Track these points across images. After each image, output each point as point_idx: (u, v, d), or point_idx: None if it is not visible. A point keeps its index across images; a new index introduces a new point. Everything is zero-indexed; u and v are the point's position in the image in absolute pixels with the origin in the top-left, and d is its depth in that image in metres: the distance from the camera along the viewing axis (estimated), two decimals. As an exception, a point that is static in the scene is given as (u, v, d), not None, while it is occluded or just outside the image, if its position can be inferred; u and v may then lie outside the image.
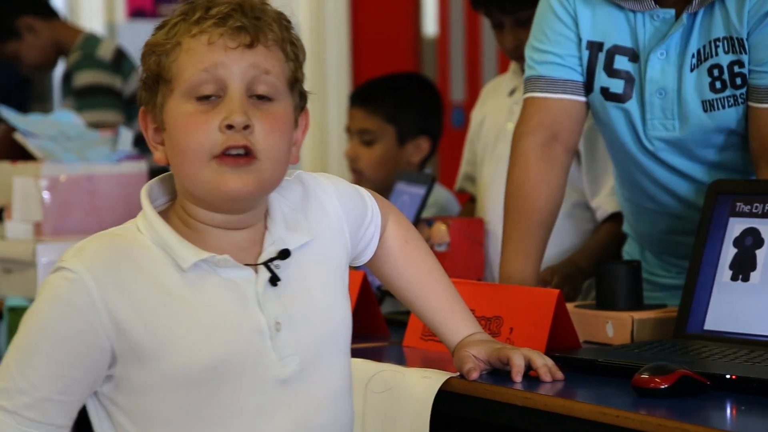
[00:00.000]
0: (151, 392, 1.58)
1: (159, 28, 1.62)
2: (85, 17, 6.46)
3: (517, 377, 1.78)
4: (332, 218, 1.72)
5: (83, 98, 4.04)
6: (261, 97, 1.59)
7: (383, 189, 3.20)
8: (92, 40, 4.18)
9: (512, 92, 2.82)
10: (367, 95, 3.22)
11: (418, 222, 2.64)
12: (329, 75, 5.22)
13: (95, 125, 3.56)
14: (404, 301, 1.86)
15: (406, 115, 3.16)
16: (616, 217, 2.62)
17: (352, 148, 3.19)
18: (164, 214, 1.64)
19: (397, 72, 3.52)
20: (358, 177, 3.18)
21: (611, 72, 2.19)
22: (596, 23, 2.19)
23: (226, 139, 1.57)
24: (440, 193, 3.15)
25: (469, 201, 2.98)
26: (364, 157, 3.15)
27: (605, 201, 2.65)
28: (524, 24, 2.66)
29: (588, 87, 2.22)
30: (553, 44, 2.21)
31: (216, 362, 1.58)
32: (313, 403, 1.64)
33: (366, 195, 1.79)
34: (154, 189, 1.65)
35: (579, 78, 2.22)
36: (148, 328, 1.56)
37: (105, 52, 4.11)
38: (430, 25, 5.31)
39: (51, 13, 4.21)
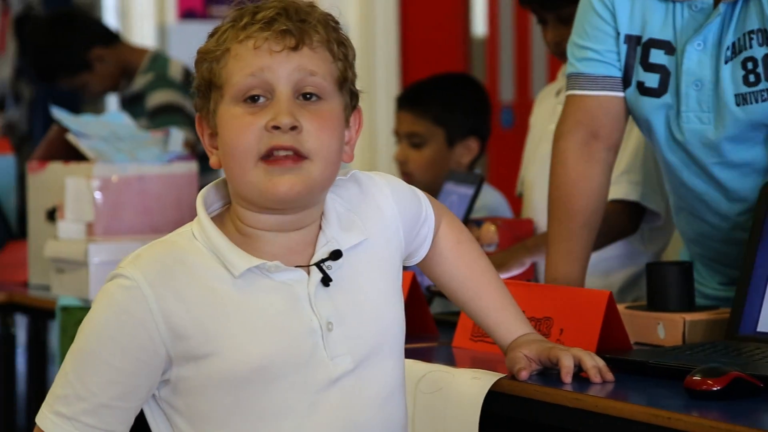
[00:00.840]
0: (206, 394, 1.59)
1: (211, 35, 1.65)
2: (136, 19, 6.50)
3: (567, 378, 1.77)
4: (387, 217, 1.72)
5: (157, 117, 4.07)
6: (309, 98, 1.60)
7: (433, 191, 3.19)
8: (161, 60, 4.21)
9: (558, 93, 2.81)
10: (414, 98, 3.22)
11: (467, 222, 2.63)
12: (378, 76, 5.22)
13: None
14: (456, 301, 1.86)
15: (454, 116, 3.15)
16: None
17: (402, 152, 3.19)
18: (219, 218, 1.66)
19: (444, 73, 3.51)
20: (408, 180, 3.17)
21: (647, 66, 2.17)
22: (634, 16, 2.17)
23: (272, 138, 1.58)
24: (490, 196, 3.14)
25: None
26: (414, 160, 3.15)
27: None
28: (566, 21, 2.65)
29: (625, 81, 2.20)
30: (592, 40, 2.20)
31: (268, 362, 1.59)
32: (364, 403, 1.65)
33: (420, 195, 1.80)
34: (210, 194, 1.67)
35: (618, 74, 2.20)
36: (202, 332, 1.58)
37: (175, 72, 4.14)
38: (479, 25, 5.30)
39: (114, 39, 4.24)
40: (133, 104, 4.16)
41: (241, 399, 1.59)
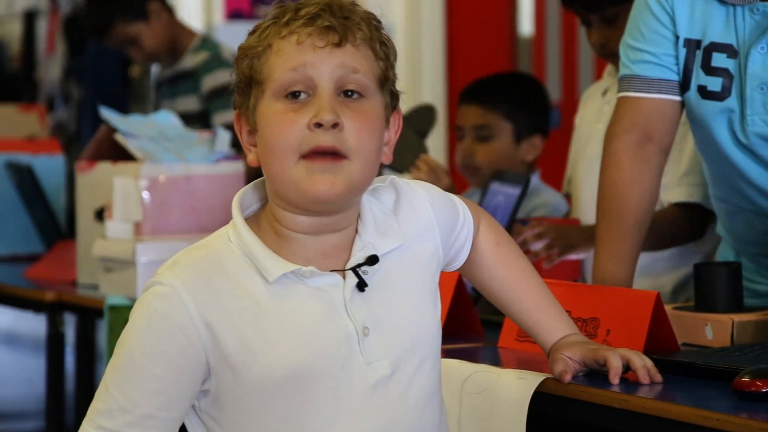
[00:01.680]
0: (243, 402, 1.58)
1: (251, 33, 1.63)
2: (183, 19, 6.54)
3: (615, 379, 1.76)
4: (424, 224, 1.71)
5: (218, 99, 4.08)
6: (350, 95, 1.59)
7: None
8: (213, 42, 4.25)
9: (605, 92, 2.80)
10: (482, 92, 3.20)
11: (514, 222, 2.62)
12: (424, 75, 5.22)
13: (230, 126, 3.59)
14: (498, 303, 1.84)
15: (522, 112, 3.14)
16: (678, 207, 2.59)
17: (468, 145, 3.15)
18: (255, 219, 1.64)
19: (508, 71, 3.50)
20: (474, 172, 3.15)
21: (709, 70, 2.16)
22: (694, 20, 2.16)
23: (315, 138, 1.57)
24: (549, 195, 3.12)
25: None
26: (481, 152, 3.12)
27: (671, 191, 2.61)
28: (611, 22, 2.64)
29: (684, 85, 2.19)
30: (649, 43, 2.19)
31: (305, 368, 1.58)
32: (402, 408, 1.64)
33: (457, 200, 1.78)
34: (247, 195, 1.66)
35: (674, 77, 2.19)
36: (239, 339, 1.57)
37: (227, 54, 4.16)
38: (526, 24, 5.29)
39: (172, 10, 4.27)
40: (179, 82, 4.18)
41: (278, 406, 1.58)
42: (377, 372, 1.61)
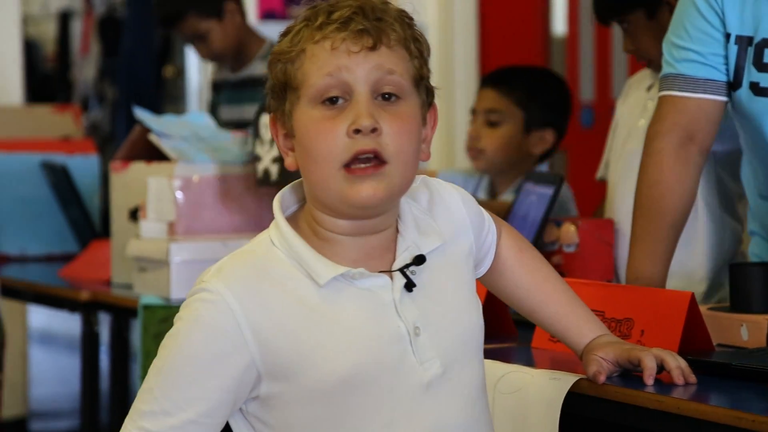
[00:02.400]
0: (297, 406, 1.58)
1: (283, 35, 1.62)
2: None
3: (649, 380, 1.75)
4: (458, 221, 1.70)
5: None
6: (387, 98, 1.58)
7: (501, 174, 3.17)
8: None
9: (649, 88, 2.78)
10: (500, 77, 3.21)
11: (547, 223, 2.62)
12: (457, 75, 5.21)
13: None
14: (525, 310, 1.83)
15: (536, 103, 3.14)
16: None
17: (476, 128, 3.15)
18: (294, 220, 1.64)
19: (534, 65, 3.50)
20: (477, 155, 3.15)
21: (761, 66, 2.14)
22: (745, 17, 2.14)
23: (354, 144, 1.56)
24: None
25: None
26: (488, 137, 3.12)
27: None
28: (632, 34, 2.66)
29: (735, 83, 2.17)
30: (695, 42, 2.17)
31: (359, 370, 1.57)
32: (455, 407, 1.63)
33: (481, 208, 1.78)
34: (286, 196, 1.65)
35: (721, 77, 2.17)
36: (291, 344, 1.56)
37: None
38: (559, 24, 5.27)
39: (245, 14, 4.23)
40: (246, 88, 4.13)
41: (332, 409, 1.57)
42: (430, 371, 1.61)
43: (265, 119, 2.90)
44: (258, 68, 4.11)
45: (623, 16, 2.67)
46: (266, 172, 2.93)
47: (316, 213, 1.61)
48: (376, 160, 1.56)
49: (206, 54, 4.19)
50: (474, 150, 3.15)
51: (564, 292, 1.81)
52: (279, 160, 2.89)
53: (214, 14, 4.07)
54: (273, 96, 1.63)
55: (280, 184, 2.81)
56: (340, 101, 1.57)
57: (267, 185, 2.94)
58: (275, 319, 1.56)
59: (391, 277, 1.62)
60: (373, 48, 1.57)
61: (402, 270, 1.62)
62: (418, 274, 1.63)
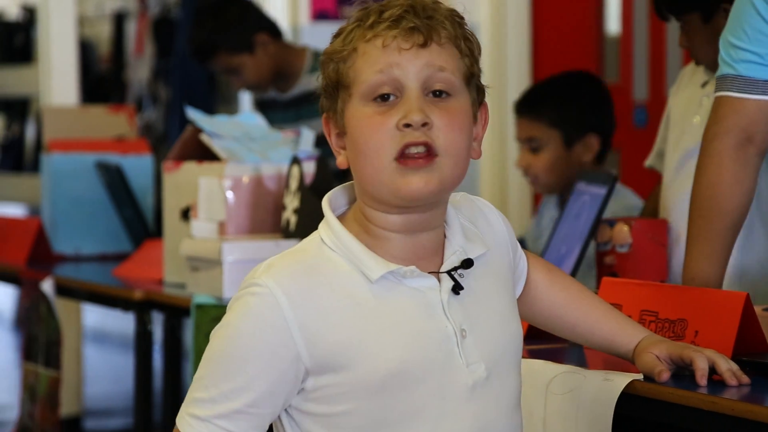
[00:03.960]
0: (344, 401, 1.59)
1: (336, 36, 1.64)
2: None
3: (702, 381, 1.74)
4: (499, 234, 1.72)
5: None
6: (438, 94, 1.60)
7: (558, 192, 3.18)
8: None
9: (704, 84, 2.76)
10: (527, 103, 3.22)
11: (600, 222, 2.60)
12: (510, 74, 5.19)
13: None
14: (567, 327, 1.83)
15: (569, 116, 3.13)
16: None
17: (523, 158, 3.21)
18: (343, 220, 1.65)
19: (560, 72, 3.48)
20: (534, 182, 3.19)
21: None
22: None
23: (404, 137, 1.57)
24: (630, 199, 3.10)
25: (658, 185, 2.90)
26: (535, 164, 3.16)
27: None
28: (687, 33, 2.64)
29: None
30: (753, 42, 2.15)
31: (407, 367, 1.58)
32: (496, 411, 1.64)
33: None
34: (336, 197, 1.67)
35: None
36: (340, 339, 1.58)
37: None
38: (613, 23, 5.24)
39: (279, 34, 4.17)
40: (302, 105, 4.10)
41: (378, 405, 1.58)
42: (475, 374, 1.62)
43: (294, 170, 2.92)
44: (308, 82, 4.08)
45: (679, 16, 2.65)
46: (288, 222, 2.94)
47: (367, 210, 1.63)
48: (427, 152, 1.58)
49: (242, 86, 4.16)
50: (530, 178, 3.18)
51: (600, 302, 1.83)
52: (297, 212, 2.89)
53: (244, 49, 4.04)
54: (326, 95, 1.65)
55: (297, 235, 2.83)
56: (392, 98, 1.59)
57: (287, 234, 2.93)
58: (324, 315, 1.58)
59: (439, 280, 1.63)
60: (423, 45, 1.59)
61: (450, 273, 1.62)
62: (464, 278, 1.64)
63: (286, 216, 2.95)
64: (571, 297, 1.82)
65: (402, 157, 1.58)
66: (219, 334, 1.61)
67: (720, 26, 2.37)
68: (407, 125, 1.57)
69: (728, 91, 2.18)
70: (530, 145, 3.16)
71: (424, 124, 1.58)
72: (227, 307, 1.62)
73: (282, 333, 1.57)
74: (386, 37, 1.59)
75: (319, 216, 1.66)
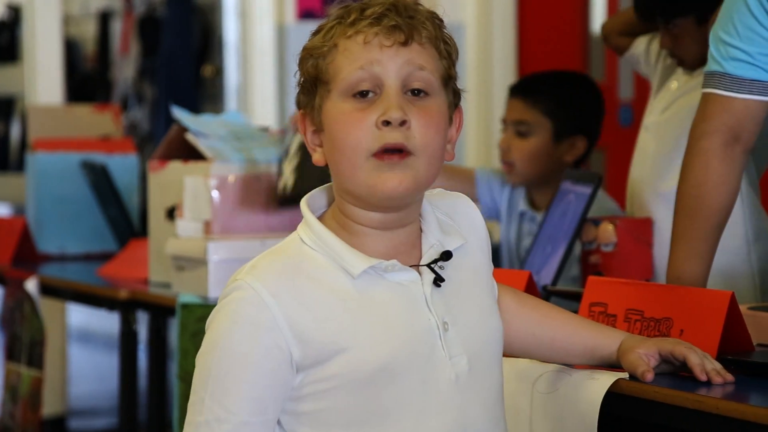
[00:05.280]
0: (331, 397, 1.59)
1: (315, 33, 1.64)
2: (255, 19, 6.57)
3: (703, 376, 1.76)
4: (479, 228, 1.73)
5: None
6: (416, 93, 1.60)
7: (535, 186, 3.14)
8: None
9: (659, 90, 2.78)
10: (527, 87, 3.18)
11: (585, 222, 2.60)
12: (496, 74, 5.19)
13: None
14: (544, 344, 1.82)
15: (565, 111, 3.10)
16: None
17: (506, 139, 3.13)
18: (322, 220, 1.65)
19: (563, 69, 3.47)
20: (509, 169, 3.12)
21: None
22: None
23: (383, 136, 1.58)
24: (606, 203, 3.09)
25: None
26: (517, 148, 3.09)
27: None
28: (675, 35, 2.64)
29: None
30: (744, 41, 2.14)
31: (393, 360, 1.59)
32: (479, 404, 1.65)
33: None
34: (315, 198, 1.67)
35: (767, 78, 2.14)
36: (327, 335, 1.58)
37: None
38: (598, 22, 5.25)
39: None
40: None
41: (364, 399, 1.59)
42: (457, 367, 1.62)
43: (297, 136, 2.91)
44: None
45: (673, 20, 2.64)
46: (285, 186, 2.93)
47: (346, 206, 1.63)
48: (402, 152, 1.58)
49: None
50: (506, 164, 3.11)
51: (573, 315, 1.84)
52: (297, 169, 2.88)
53: None
54: (303, 92, 1.65)
55: (294, 198, 2.82)
56: (371, 95, 1.60)
57: (285, 200, 2.92)
58: (310, 312, 1.58)
59: (419, 273, 1.63)
60: (405, 43, 1.59)
61: (430, 266, 1.63)
62: (444, 270, 1.64)
63: (283, 181, 2.94)
64: (543, 314, 1.82)
65: (379, 153, 1.58)
66: (210, 350, 1.59)
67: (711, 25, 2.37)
68: (386, 123, 1.58)
69: (716, 88, 2.18)
70: (518, 128, 3.10)
71: (403, 123, 1.58)
72: (211, 320, 1.60)
73: (274, 333, 1.57)
74: (367, 33, 1.59)
75: (319, 171, 1.66)
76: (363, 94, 1.59)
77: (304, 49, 1.64)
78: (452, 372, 1.62)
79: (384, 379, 1.58)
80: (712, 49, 2.19)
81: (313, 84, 1.63)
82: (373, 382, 1.58)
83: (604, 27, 2.89)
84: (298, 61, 1.65)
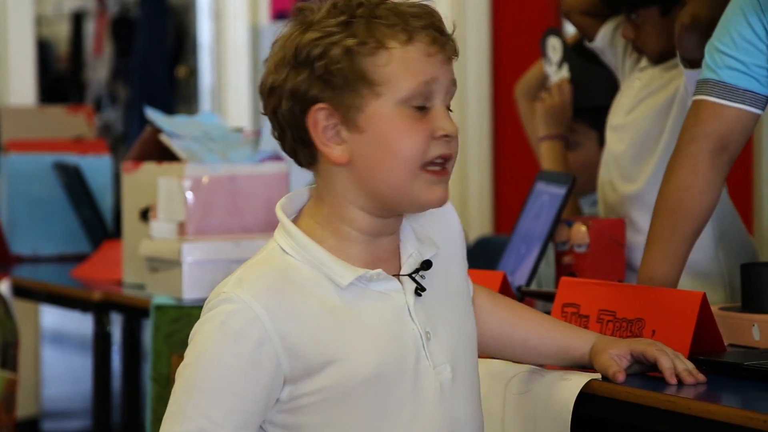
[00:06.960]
0: (319, 410, 1.58)
1: (337, 23, 1.57)
2: (229, 20, 6.56)
3: (672, 379, 1.77)
4: (455, 231, 1.73)
5: None
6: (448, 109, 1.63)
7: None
8: None
9: (642, 69, 2.77)
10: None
11: (558, 223, 2.61)
12: (469, 75, 5.20)
13: None
14: (517, 343, 1.83)
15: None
16: None
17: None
18: (295, 223, 1.63)
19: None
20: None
21: None
22: None
23: (439, 147, 1.59)
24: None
25: None
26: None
27: None
28: (638, 26, 2.64)
29: None
30: (740, 51, 2.15)
31: (382, 371, 1.59)
32: (463, 411, 1.66)
33: None
34: (288, 203, 1.65)
35: (761, 90, 2.14)
36: (318, 346, 1.57)
37: None
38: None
39: None
40: None
41: (353, 411, 1.58)
42: (441, 375, 1.63)
43: (553, 41, 2.92)
44: None
45: (637, 9, 2.65)
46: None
47: (348, 210, 1.61)
48: (445, 165, 1.60)
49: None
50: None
51: (546, 316, 1.86)
52: (572, 80, 2.99)
53: None
54: (326, 85, 1.57)
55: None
56: (425, 108, 1.60)
57: None
58: (301, 324, 1.57)
59: (401, 282, 1.63)
60: (451, 60, 1.62)
61: (411, 275, 1.63)
62: (424, 279, 1.64)
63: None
64: (517, 314, 1.83)
65: (428, 166, 1.59)
66: (196, 361, 1.56)
67: (676, 18, 2.38)
68: (446, 136, 1.59)
69: (708, 95, 2.17)
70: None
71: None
72: (197, 332, 1.58)
73: (265, 346, 1.55)
74: (428, 46, 1.58)
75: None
76: (420, 108, 1.59)
77: (334, 42, 1.55)
78: (437, 381, 1.62)
79: (373, 390, 1.58)
80: (707, 59, 2.19)
81: (345, 80, 1.56)
82: (362, 394, 1.58)
83: (565, 2, 2.88)
84: (315, 47, 1.56)
